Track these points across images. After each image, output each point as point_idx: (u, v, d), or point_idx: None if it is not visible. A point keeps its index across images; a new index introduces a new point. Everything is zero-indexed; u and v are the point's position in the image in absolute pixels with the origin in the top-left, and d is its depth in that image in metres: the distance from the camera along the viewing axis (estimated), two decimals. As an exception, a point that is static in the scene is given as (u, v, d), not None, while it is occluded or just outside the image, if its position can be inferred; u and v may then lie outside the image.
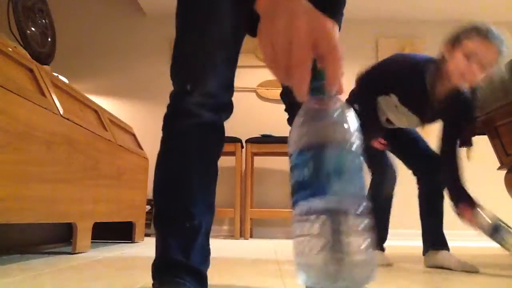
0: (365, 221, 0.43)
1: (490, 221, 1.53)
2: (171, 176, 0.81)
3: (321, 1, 0.75)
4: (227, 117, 0.85)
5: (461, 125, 1.71)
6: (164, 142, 0.83)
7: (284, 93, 0.95)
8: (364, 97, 1.79)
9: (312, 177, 0.44)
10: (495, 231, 1.52)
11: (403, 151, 1.93)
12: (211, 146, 0.84)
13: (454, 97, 1.64)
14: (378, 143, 1.72)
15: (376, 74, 1.75)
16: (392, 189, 1.87)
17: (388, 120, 1.85)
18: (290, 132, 0.48)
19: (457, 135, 1.70)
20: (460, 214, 1.60)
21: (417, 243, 1.86)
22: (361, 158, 0.47)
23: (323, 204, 0.43)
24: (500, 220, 1.54)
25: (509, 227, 1.52)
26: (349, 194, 0.44)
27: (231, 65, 0.84)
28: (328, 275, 0.42)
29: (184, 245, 0.77)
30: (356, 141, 0.46)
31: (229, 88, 0.83)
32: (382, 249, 1.81)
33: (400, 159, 1.93)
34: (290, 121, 0.92)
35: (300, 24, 0.47)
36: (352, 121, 0.46)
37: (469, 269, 1.55)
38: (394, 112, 1.77)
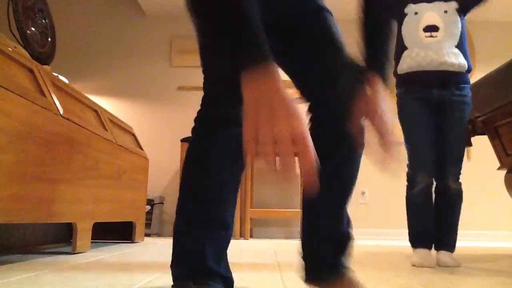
0: None
1: None
2: (205, 184, 0.82)
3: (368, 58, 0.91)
4: None
5: None
6: (194, 145, 0.85)
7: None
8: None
9: None
10: None
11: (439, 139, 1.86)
12: (236, 159, 0.85)
13: None
14: None
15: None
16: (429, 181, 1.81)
17: (427, 28, 1.90)
18: None
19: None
20: None
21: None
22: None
23: None
24: None
25: None
26: None
27: None
28: None
29: (217, 254, 0.80)
30: None
31: None
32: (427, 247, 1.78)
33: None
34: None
35: (281, 122, 0.56)
36: None
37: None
38: (422, 16, 1.92)
